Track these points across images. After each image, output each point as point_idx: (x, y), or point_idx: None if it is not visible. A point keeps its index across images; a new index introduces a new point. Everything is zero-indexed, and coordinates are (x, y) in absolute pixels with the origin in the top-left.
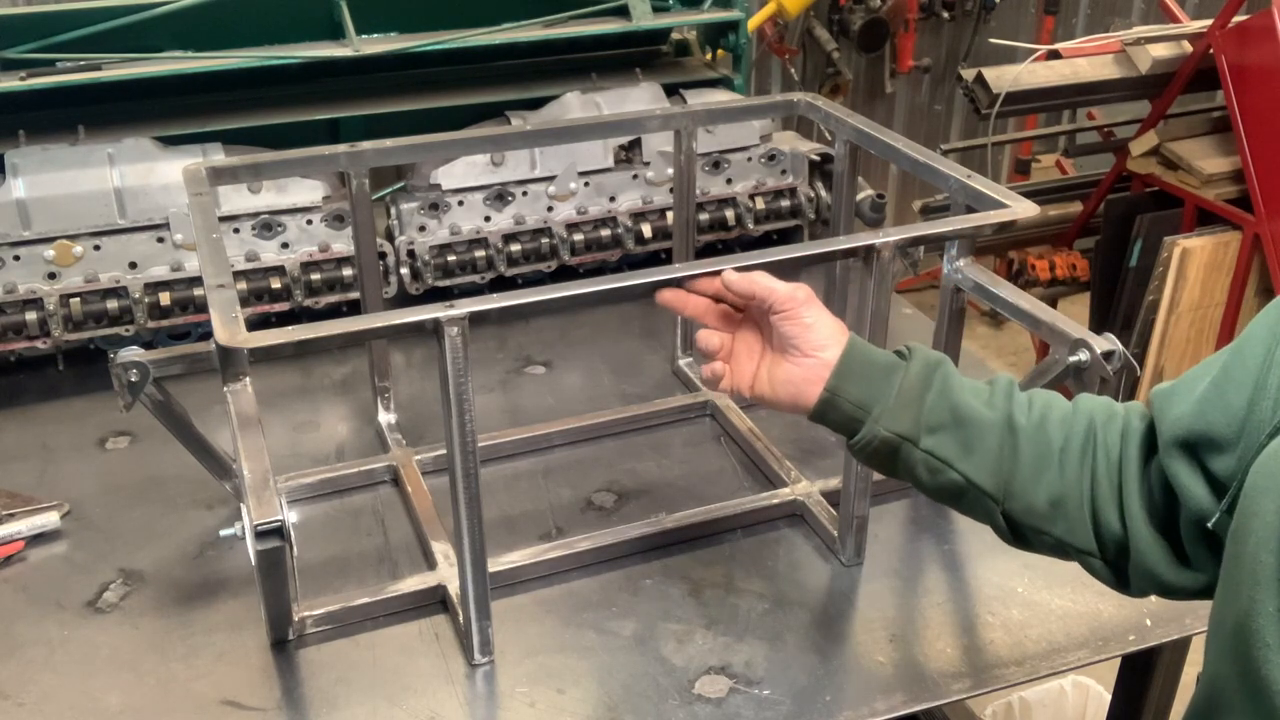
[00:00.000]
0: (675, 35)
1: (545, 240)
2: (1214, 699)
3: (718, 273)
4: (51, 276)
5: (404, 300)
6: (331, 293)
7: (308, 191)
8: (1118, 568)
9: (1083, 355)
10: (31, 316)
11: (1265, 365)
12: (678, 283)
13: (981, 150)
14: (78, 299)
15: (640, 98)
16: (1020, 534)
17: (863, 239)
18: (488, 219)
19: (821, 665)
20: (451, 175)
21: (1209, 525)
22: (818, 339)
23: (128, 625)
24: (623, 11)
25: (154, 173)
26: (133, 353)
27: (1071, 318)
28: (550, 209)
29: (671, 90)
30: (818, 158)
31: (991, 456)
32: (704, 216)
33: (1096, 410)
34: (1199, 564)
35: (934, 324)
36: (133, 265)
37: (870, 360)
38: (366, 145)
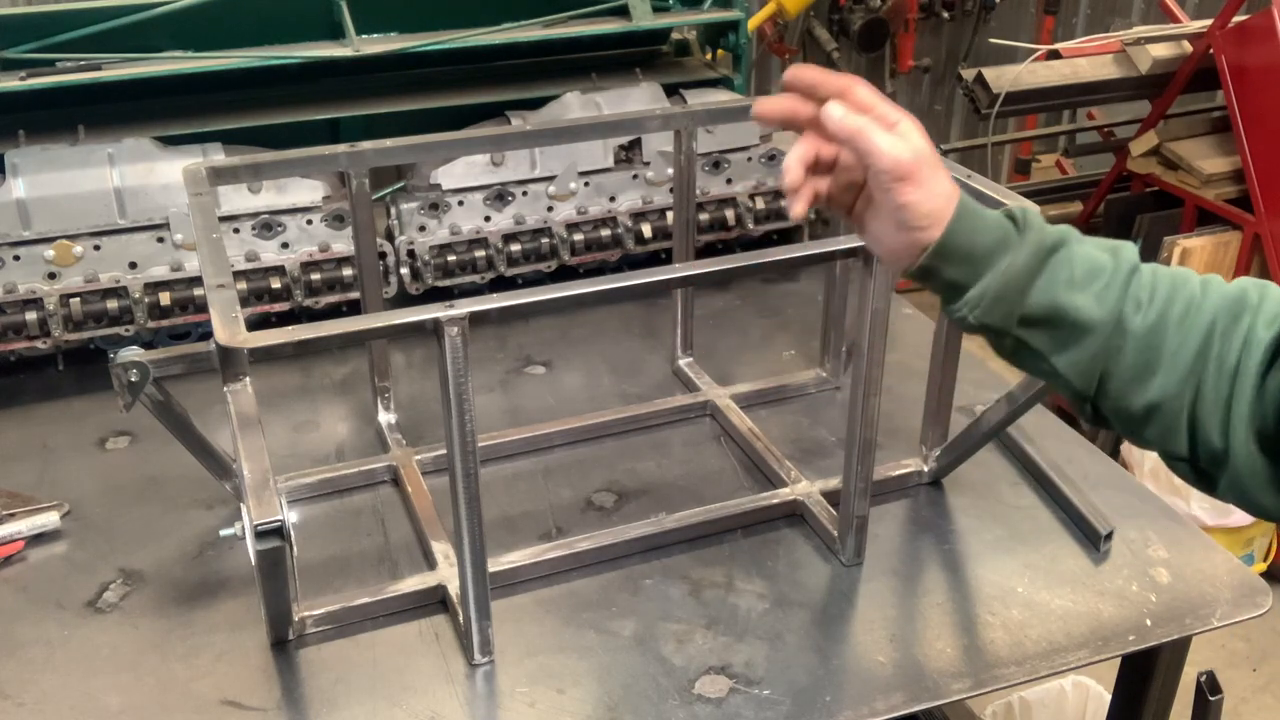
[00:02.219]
0: (675, 35)
1: (545, 240)
2: None
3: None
4: (51, 276)
5: (404, 300)
6: (331, 293)
7: (308, 191)
8: (1208, 475)
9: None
10: (31, 316)
11: None
12: (678, 283)
13: (981, 150)
14: (78, 299)
15: (640, 98)
16: (1105, 423)
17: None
18: (488, 219)
19: (821, 665)
20: (451, 175)
21: None
22: (915, 218)
23: (128, 625)
24: (623, 11)
25: (154, 173)
26: (133, 353)
27: None
28: (550, 209)
29: (671, 90)
30: None
31: (1088, 356)
32: (704, 216)
33: (1221, 310)
34: None
35: (934, 324)
36: (133, 265)
37: (973, 242)
38: (366, 145)
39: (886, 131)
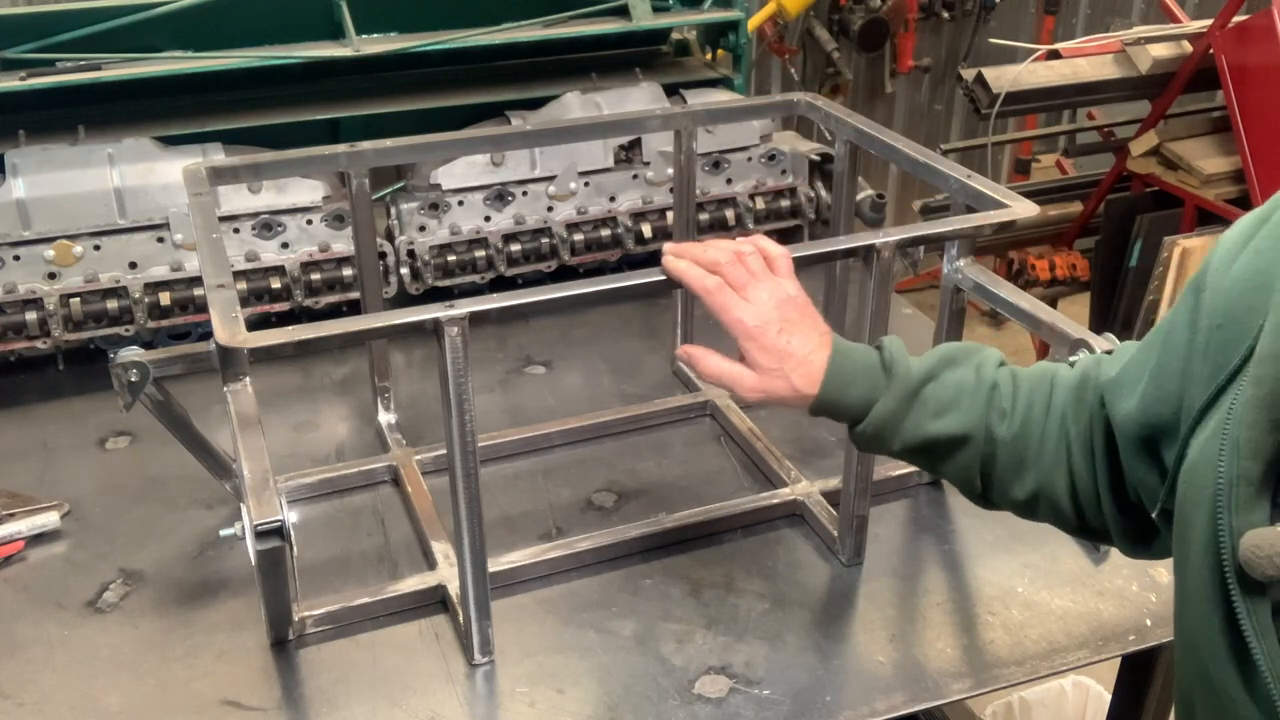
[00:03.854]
0: (675, 35)
1: (545, 240)
2: (1186, 706)
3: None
4: (51, 276)
5: (404, 300)
6: (331, 293)
7: (308, 191)
8: (1111, 540)
9: (1083, 355)
10: (31, 316)
11: (1188, 354)
12: (679, 283)
13: (981, 150)
14: (78, 299)
15: (640, 98)
16: (1001, 509)
17: (863, 239)
18: (488, 219)
19: (821, 665)
20: (451, 175)
21: (1153, 516)
22: (768, 374)
23: (128, 625)
24: (623, 11)
25: (154, 173)
26: (133, 353)
27: (1071, 318)
28: (550, 209)
29: (671, 90)
30: (818, 158)
31: (963, 465)
32: (704, 216)
33: (1066, 398)
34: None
35: (934, 324)
36: (133, 265)
37: (846, 395)
38: (366, 145)
39: (736, 293)
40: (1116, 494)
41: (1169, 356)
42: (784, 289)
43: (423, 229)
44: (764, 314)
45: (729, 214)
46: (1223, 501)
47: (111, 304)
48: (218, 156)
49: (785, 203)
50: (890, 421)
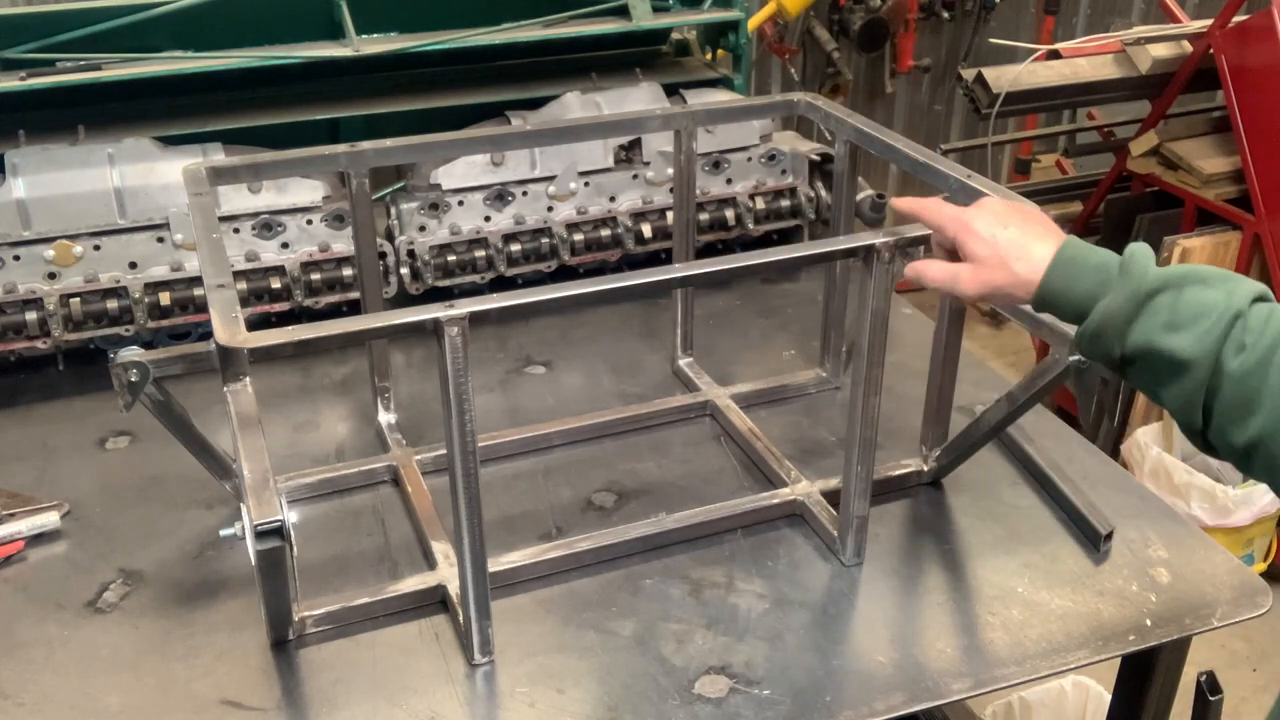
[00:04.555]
0: (675, 35)
1: (545, 240)
2: None
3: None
4: (51, 276)
5: (404, 300)
6: (331, 293)
7: (308, 191)
8: None
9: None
10: (31, 316)
11: None
12: (678, 283)
13: (981, 150)
14: (78, 299)
15: (640, 98)
16: (1216, 454)
17: (863, 239)
18: (488, 219)
19: (821, 665)
20: (451, 175)
21: None
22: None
23: (128, 625)
24: (623, 11)
25: (154, 173)
26: (133, 353)
27: None
28: (550, 209)
29: (671, 90)
30: (818, 158)
31: (1186, 393)
32: (704, 216)
33: None
34: None
35: (934, 324)
36: (133, 265)
37: (1070, 289)
38: (366, 145)
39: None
40: None
41: None
42: (1008, 202)
43: (423, 229)
44: (984, 206)
45: (729, 214)
46: None
47: (111, 304)
48: (218, 156)
49: (785, 203)
50: (1114, 322)
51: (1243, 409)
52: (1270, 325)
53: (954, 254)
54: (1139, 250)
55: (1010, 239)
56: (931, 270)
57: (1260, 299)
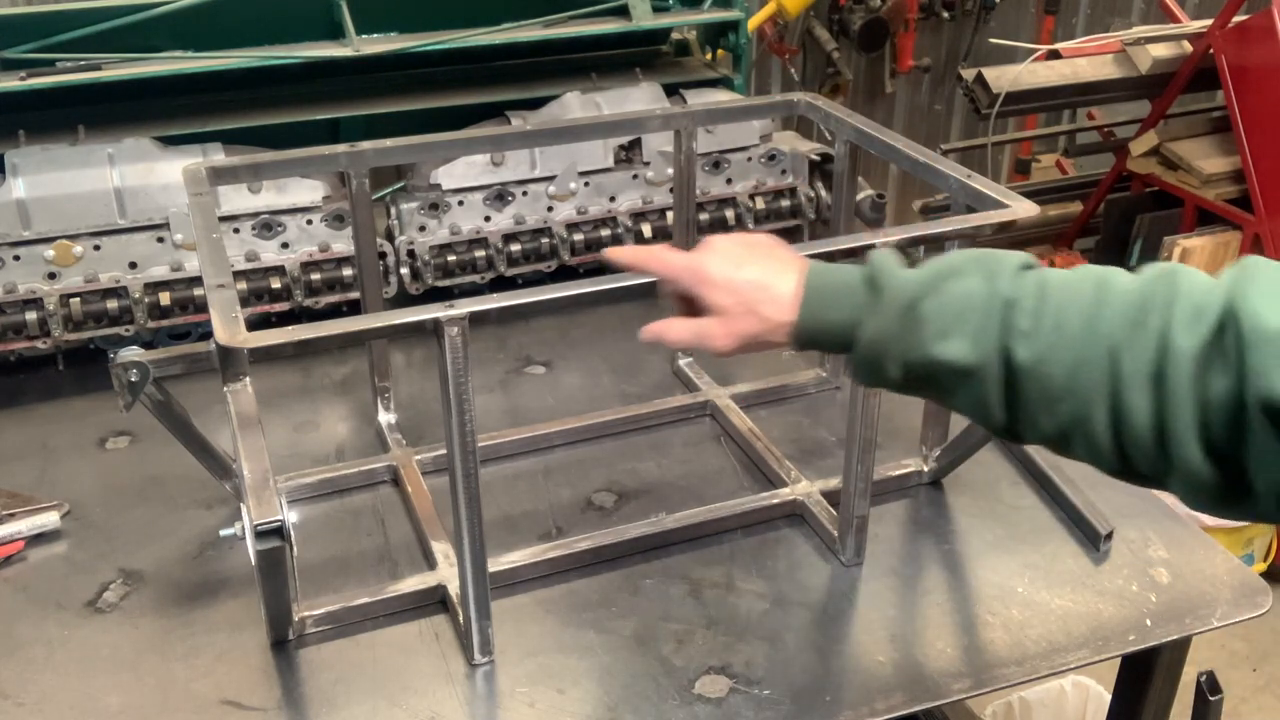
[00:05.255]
0: (675, 35)
1: (545, 240)
2: None
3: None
4: (51, 276)
5: (404, 300)
6: (331, 293)
7: (308, 191)
8: (1153, 481)
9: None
10: (31, 316)
11: None
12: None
13: (981, 150)
14: (78, 299)
15: (640, 98)
16: (1031, 443)
17: (863, 239)
18: (488, 219)
19: (821, 665)
20: (451, 175)
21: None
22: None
23: (128, 625)
24: (623, 11)
25: (154, 173)
26: (133, 353)
27: None
28: (550, 209)
29: (671, 90)
30: (818, 158)
31: (980, 396)
32: (704, 216)
33: (1119, 324)
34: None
35: None
36: (133, 265)
37: (826, 320)
38: (366, 145)
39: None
40: (1201, 435)
41: None
42: (741, 236)
43: (423, 229)
44: (713, 248)
45: (729, 214)
46: None
47: (111, 304)
48: (218, 156)
49: (785, 203)
50: (883, 346)
51: (1048, 397)
52: (1047, 299)
53: (691, 304)
54: (880, 261)
55: (750, 281)
56: (674, 331)
57: (1025, 268)
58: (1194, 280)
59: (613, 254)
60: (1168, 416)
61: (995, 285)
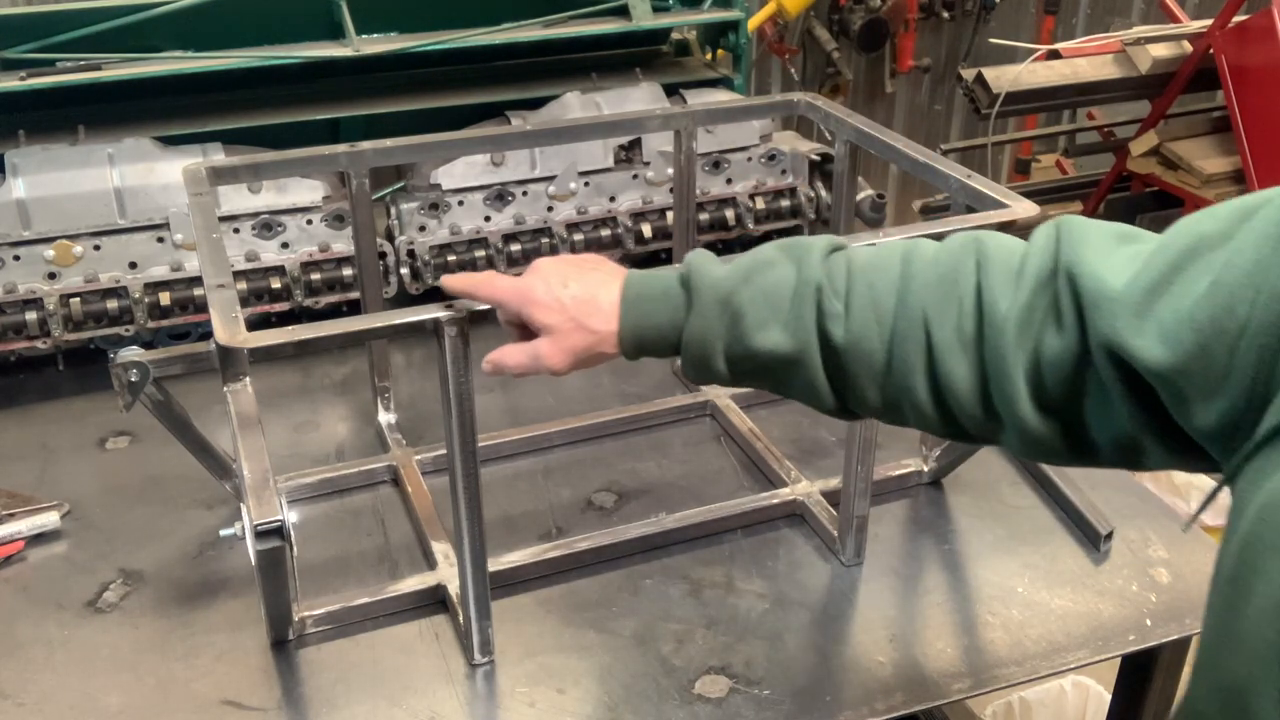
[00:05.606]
0: (675, 35)
1: (545, 240)
2: None
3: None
4: (51, 276)
5: (404, 300)
6: (331, 293)
7: (308, 191)
8: (987, 440)
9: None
10: (31, 316)
11: (1240, 335)
12: None
13: (981, 150)
14: (78, 299)
15: (640, 98)
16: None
17: (863, 239)
18: (488, 219)
19: (821, 665)
20: (451, 175)
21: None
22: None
23: (128, 625)
24: (623, 11)
25: (154, 173)
26: (133, 353)
27: None
28: (550, 209)
29: (671, 90)
30: (818, 158)
31: (807, 380)
32: (704, 216)
33: (930, 297)
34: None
35: None
36: (133, 265)
37: (648, 325)
38: (366, 145)
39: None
40: (1035, 394)
41: (1226, 313)
42: (566, 256)
43: (423, 229)
44: (537, 270)
45: (729, 214)
46: None
47: (111, 304)
48: (218, 156)
49: (785, 203)
50: (706, 342)
51: (870, 373)
52: (856, 279)
53: (524, 329)
54: (695, 260)
55: (575, 296)
56: (510, 357)
57: (833, 250)
58: (1001, 244)
59: (447, 282)
60: (992, 378)
61: (804, 272)
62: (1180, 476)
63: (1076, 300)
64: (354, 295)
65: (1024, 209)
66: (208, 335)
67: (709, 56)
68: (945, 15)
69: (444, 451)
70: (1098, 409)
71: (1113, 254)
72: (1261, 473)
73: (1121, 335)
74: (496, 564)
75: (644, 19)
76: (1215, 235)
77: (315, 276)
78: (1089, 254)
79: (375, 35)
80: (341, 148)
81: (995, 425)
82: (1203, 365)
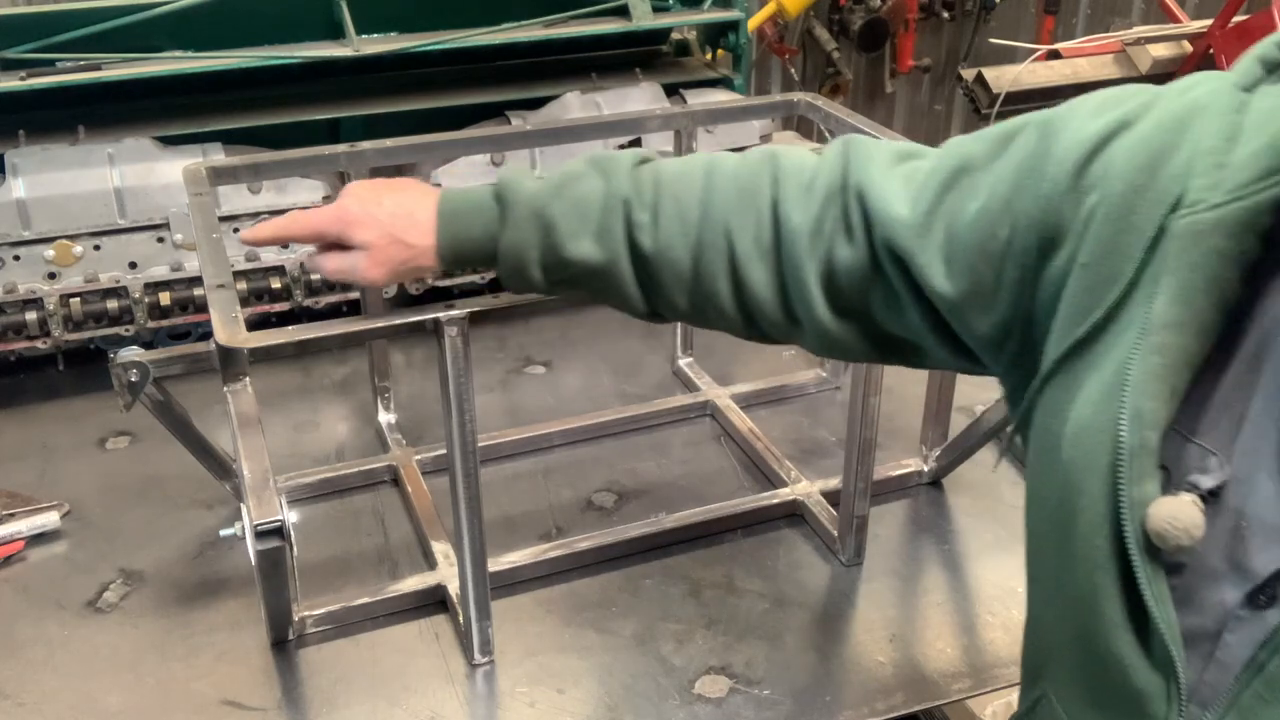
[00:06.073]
0: (675, 35)
1: None
2: (1044, 653)
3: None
4: (51, 276)
5: (404, 300)
6: (331, 293)
7: (308, 191)
8: (787, 341)
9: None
10: (31, 316)
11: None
12: None
13: None
14: (78, 299)
15: (640, 98)
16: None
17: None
18: None
19: (821, 665)
20: (451, 175)
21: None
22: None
23: (128, 625)
24: (623, 11)
25: (154, 173)
26: (133, 353)
27: None
28: None
29: (671, 90)
30: None
31: (619, 286)
32: None
33: (732, 209)
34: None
35: None
36: (133, 265)
37: (465, 238)
38: (366, 145)
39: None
40: (832, 301)
41: (997, 239)
42: (377, 180)
43: None
44: (349, 192)
45: None
46: (1125, 472)
47: (111, 304)
48: (218, 156)
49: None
50: (521, 251)
51: (678, 280)
52: (662, 190)
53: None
54: (507, 175)
55: (392, 212)
56: (329, 262)
57: (641, 162)
58: (794, 159)
59: (248, 236)
60: (790, 285)
61: (612, 184)
62: None
63: (866, 217)
64: (354, 295)
65: None
66: (208, 335)
67: (709, 56)
68: (945, 15)
69: (444, 451)
70: (888, 311)
71: (894, 172)
72: (1059, 403)
73: (908, 252)
74: (496, 564)
75: (644, 19)
76: (980, 157)
77: (315, 276)
78: (875, 173)
79: (375, 35)
80: (341, 148)
81: (795, 328)
82: (974, 284)
